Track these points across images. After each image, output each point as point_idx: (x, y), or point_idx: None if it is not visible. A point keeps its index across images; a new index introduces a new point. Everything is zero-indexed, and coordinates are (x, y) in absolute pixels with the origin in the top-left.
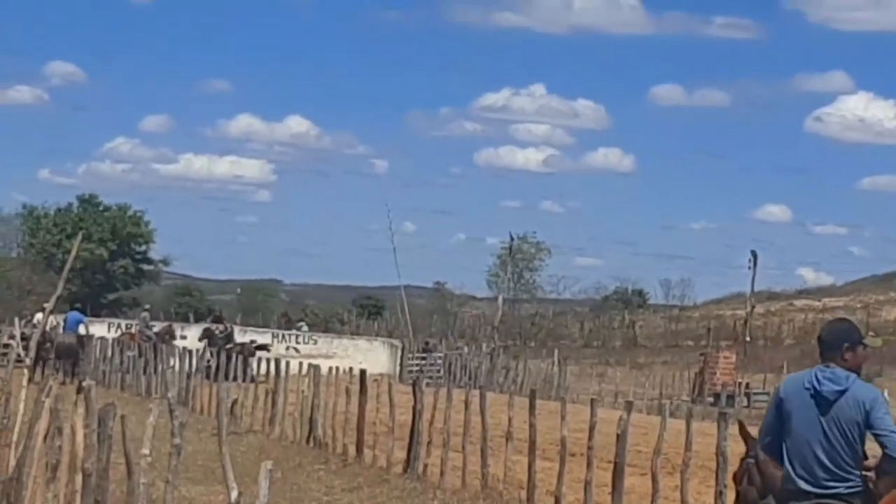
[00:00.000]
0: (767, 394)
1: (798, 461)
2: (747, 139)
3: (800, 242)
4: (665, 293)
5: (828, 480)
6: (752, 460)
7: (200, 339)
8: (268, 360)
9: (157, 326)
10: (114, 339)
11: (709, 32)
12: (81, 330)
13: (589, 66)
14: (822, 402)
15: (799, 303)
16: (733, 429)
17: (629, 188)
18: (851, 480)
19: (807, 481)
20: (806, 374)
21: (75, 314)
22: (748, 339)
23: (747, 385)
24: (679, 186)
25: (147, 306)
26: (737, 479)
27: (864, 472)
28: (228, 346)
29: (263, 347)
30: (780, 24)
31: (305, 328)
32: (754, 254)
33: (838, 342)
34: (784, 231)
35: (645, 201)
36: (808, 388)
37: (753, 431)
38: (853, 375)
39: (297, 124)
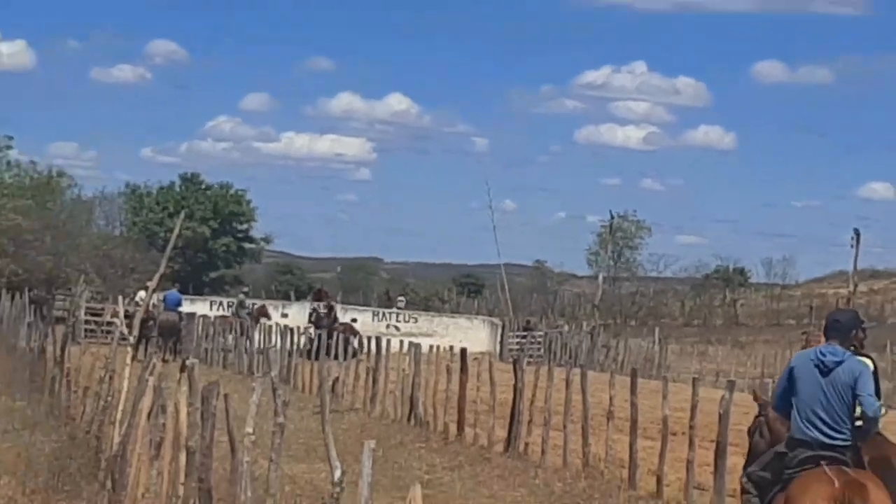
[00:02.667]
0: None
1: (804, 417)
2: (850, 116)
3: None
4: (767, 271)
5: (826, 432)
6: (763, 418)
7: (310, 322)
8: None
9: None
10: (214, 320)
11: (812, 9)
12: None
13: (690, 43)
14: (824, 371)
15: None
16: None
17: (730, 166)
18: (844, 434)
19: (810, 433)
20: (813, 350)
21: (174, 293)
22: None
23: None
24: (781, 164)
25: (245, 288)
26: (750, 432)
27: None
28: (335, 324)
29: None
30: (885, 0)
31: (402, 303)
32: (857, 231)
33: (850, 326)
34: (888, 208)
35: (746, 179)
36: (813, 360)
37: None
38: (849, 352)
39: (397, 102)
